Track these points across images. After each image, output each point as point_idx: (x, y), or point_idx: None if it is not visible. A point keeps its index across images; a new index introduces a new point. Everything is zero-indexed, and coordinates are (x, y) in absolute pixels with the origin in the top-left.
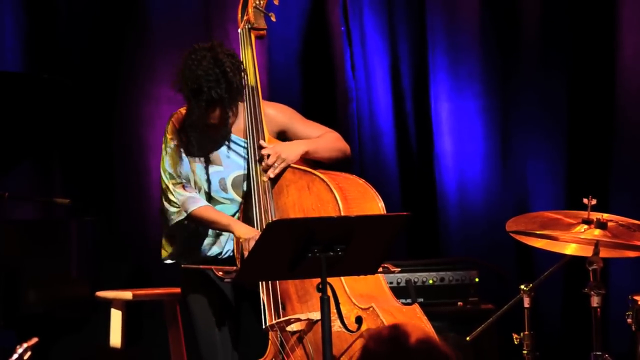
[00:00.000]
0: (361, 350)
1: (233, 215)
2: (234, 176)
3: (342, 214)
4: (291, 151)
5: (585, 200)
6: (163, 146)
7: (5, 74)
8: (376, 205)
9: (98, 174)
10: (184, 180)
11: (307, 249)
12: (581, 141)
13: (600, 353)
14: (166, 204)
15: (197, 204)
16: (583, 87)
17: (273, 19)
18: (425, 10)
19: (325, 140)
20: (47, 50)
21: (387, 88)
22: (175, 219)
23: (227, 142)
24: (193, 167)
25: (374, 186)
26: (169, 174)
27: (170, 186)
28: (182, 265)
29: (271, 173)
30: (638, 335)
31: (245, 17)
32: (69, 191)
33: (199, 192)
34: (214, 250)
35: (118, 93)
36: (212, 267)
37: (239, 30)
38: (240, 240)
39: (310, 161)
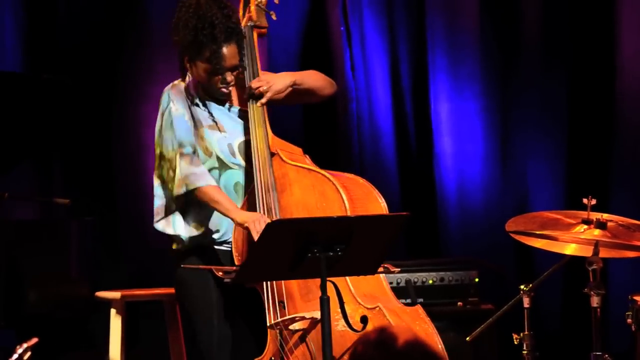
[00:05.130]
0: (349, 354)
1: (236, 186)
2: (239, 142)
3: (349, 214)
4: (279, 80)
5: (585, 200)
6: (163, 117)
7: (5, 73)
8: (379, 206)
9: (98, 174)
10: (190, 150)
11: (307, 249)
12: (581, 141)
13: (600, 353)
14: (169, 174)
15: (201, 181)
16: (583, 87)
17: (274, 17)
18: (425, 10)
19: (308, 72)
20: (47, 49)
21: (386, 88)
22: (176, 191)
23: (228, 107)
24: (202, 133)
25: (374, 186)
26: (178, 142)
27: (177, 157)
28: (182, 265)
29: (264, 99)
30: (638, 335)
31: (247, 15)
32: (69, 191)
33: (210, 157)
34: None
35: (117, 93)
36: (212, 267)
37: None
38: (240, 226)
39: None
